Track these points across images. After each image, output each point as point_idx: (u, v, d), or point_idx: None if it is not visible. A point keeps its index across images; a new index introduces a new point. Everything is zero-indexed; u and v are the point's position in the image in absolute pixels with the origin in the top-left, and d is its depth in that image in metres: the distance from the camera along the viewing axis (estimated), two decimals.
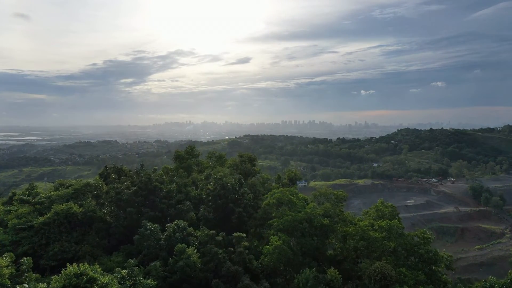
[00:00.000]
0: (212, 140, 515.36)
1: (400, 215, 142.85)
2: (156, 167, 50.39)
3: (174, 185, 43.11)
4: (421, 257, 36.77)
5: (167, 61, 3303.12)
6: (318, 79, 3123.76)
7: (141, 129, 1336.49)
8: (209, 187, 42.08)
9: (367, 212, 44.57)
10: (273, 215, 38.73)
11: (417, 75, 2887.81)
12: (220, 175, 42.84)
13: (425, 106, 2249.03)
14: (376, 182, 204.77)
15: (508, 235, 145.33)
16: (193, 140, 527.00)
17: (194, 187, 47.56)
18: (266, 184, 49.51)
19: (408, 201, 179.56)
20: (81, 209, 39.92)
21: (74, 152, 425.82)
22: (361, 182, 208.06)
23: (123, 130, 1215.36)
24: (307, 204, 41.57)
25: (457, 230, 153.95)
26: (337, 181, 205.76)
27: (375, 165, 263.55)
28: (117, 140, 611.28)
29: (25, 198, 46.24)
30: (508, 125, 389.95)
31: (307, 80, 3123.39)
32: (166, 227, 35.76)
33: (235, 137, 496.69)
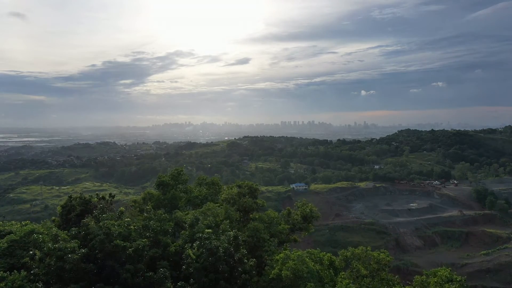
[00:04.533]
0: (212, 142, 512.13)
1: (403, 219, 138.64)
2: (123, 208, 36.62)
3: (145, 240, 30.26)
4: None
5: (166, 62, 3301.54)
6: (317, 79, 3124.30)
7: (140, 130, 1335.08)
8: (191, 253, 28.57)
9: (422, 280, 29.45)
10: None
11: (416, 75, 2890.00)
12: (208, 232, 29.65)
13: (424, 106, 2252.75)
14: (378, 185, 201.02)
15: None
16: (192, 142, 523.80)
17: (176, 233, 36.25)
18: (273, 222, 38.47)
19: (411, 204, 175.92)
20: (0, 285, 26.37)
21: (72, 154, 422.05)
22: (362, 185, 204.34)
23: (122, 131, 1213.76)
24: (335, 269, 30.24)
25: (462, 234, 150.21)
26: (338, 184, 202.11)
27: (376, 167, 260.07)
28: (116, 142, 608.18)
29: None
30: (510, 126, 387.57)
31: (306, 81, 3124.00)
32: None
33: (234, 138, 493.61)
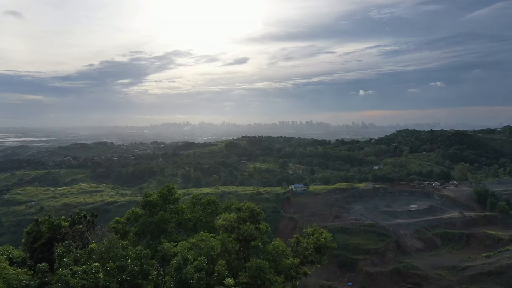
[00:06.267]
0: (209, 142, 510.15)
1: (403, 221, 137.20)
2: (94, 245, 28.76)
3: None
4: None
5: (164, 62, 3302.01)
6: (316, 79, 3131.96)
7: (138, 130, 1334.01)
8: None
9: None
10: None
11: (414, 75, 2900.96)
12: None
13: (422, 106, 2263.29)
14: (377, 186, 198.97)
15: None
16: (190, 142, 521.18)
17: (164, 263, 30.09)
18: (279, 255, 32.64)
19: (411, 205, 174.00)
20: None
21: (69, 154, 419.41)
22: (362, 185, 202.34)
23: (120, 131, 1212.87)
24: None
25: (463, 236, 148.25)
26: (338, 185, 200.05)
27: (375, 167, 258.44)
28: (113, 142, 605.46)
29: None
30: (509, 126, 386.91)
31: (305, 81, 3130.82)
32: None
33: (233, 138, 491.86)
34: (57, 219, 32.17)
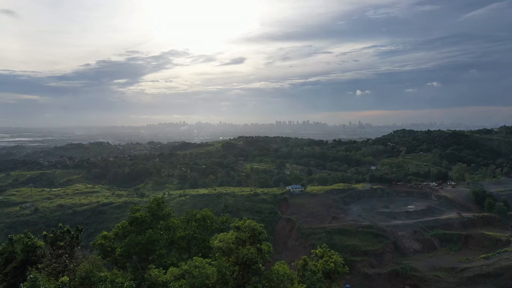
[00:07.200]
0: (206, 142, 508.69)
1: (401, 222, 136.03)
2: (66, 278, 23.86)
3: None
4: None
5: (160, 62, 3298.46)
6: (312, 79, 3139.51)
7: (135, 130, 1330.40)
8: None
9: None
10: None
11: (410, 75, 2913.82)
12: None
13: (418, 106, 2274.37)
14: (375, 187, 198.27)
15: None
16: (186, 142, 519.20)
17: None
18: (283, 280, 28.60)
19: (409, 206, 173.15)
20: None
21: (65, 155, 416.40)
22: (359, 186, 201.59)
23: (116, 131, 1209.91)
24: None
25: (461, 237, 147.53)
26: (335, 186, 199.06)
27: (373, 168, 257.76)
28: (110, 142, 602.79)
29: None
30: (505, 126, 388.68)
31: (301, 81, 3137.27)
32: None
33: (229, 138, 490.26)
34: (33, 238, 28.74)
